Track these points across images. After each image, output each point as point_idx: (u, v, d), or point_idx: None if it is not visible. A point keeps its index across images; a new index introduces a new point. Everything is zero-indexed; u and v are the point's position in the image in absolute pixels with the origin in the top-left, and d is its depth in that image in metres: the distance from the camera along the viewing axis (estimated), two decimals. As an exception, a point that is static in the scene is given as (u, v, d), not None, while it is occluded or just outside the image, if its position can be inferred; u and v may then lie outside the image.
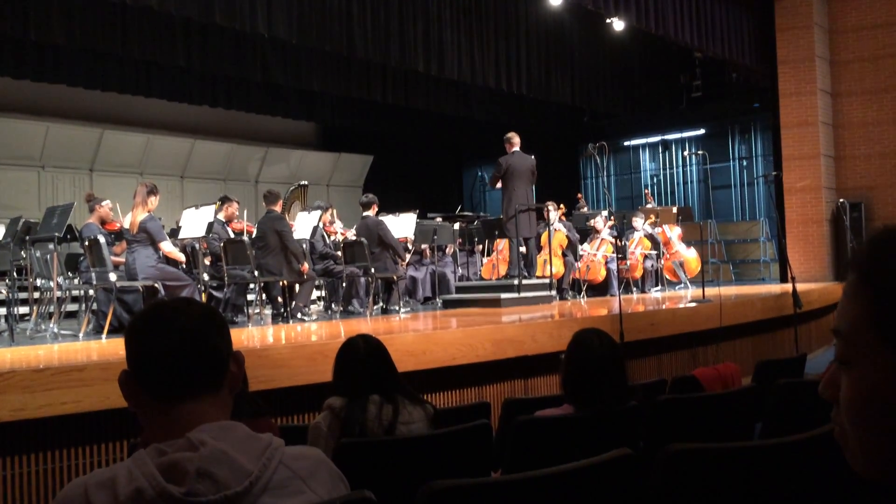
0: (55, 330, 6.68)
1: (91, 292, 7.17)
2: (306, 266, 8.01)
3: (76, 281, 8.13)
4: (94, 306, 7.18)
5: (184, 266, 7.81)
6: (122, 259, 7.10)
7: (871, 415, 0.73)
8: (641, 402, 2.86)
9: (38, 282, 7.99)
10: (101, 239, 6.76)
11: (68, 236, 7.78)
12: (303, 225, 8.80)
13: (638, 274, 11.13)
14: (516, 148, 8.90)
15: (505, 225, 8.87)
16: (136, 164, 14.44)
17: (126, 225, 6.99)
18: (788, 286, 7.78)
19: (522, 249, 8.97)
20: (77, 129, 13.63)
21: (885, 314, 0.72)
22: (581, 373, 2.75)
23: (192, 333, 1.30)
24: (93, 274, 6.84)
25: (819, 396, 0.81)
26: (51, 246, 6.93)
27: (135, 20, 10.06)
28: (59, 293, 7.34)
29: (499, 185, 8.95)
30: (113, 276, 6.57)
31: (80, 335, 6.51)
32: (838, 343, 0.77)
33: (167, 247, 6.89)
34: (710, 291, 8.27)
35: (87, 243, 6.95)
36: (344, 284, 8.85)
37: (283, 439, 1.32)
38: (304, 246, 8.39)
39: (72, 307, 8.79)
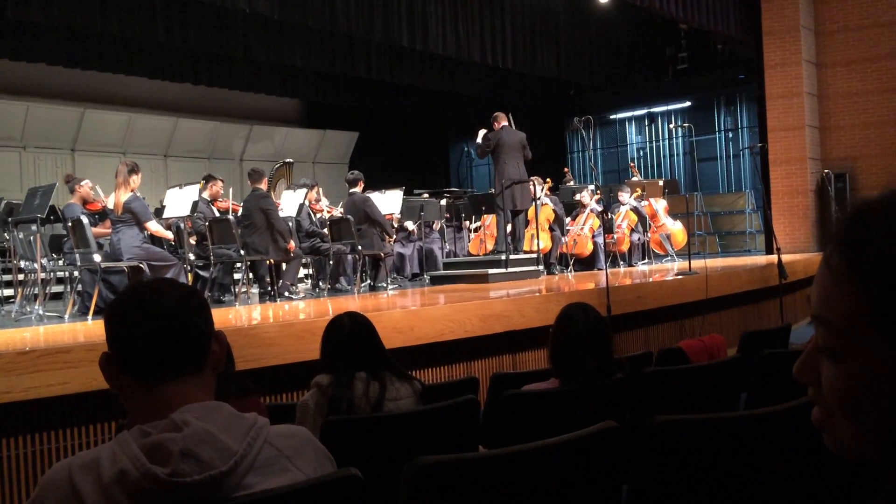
0: (40, 312, 6.63)
1: (76, 273, 7.12)
2: (293, 244, 7.98)
3: (60, 262, 8.07)
4: (79, 287, 7.14)
5: (171, 243, 7.76)
6: (108, 231, 7.03)
7: (869, 407, 0.67)
8: (628, 375, 2.87)
9: (22, 263, 7.93)
10: (85, 219, 6.70)
11: (51, 217, 7.70)
12: (289, 203, 8.75)
13: (625, 247, 11.16)
14: (504, 124, 8.89)
15: (496, 199, 8.86)
16: (119, 143, 14.29)
17: (110, 205, 6.93)
18: (774, 257, 7.81)
19: (508, 227, 8.97)
20: (58, 109, 13.45)
21: (886, 309, 0.65)
22: (567, 347, 2.76)
23: (172, 314, 1.29)
24: (77, 255, 6.79)
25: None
26: (34, 227, 6.87)
27: (113, -4, 9.91)
28: (43, 275, 7.28)
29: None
30: (97, 257, 6.51)
31: (66, 317, 6.48)
32: (824, 333, 0.70)
33: (154, 226, 6.83)
34: (697, 263, 8.30)
35: (70, 224, 6.89)
36: (331, 262, 8.83)
37: (268, 418, 1.32)
38: (290, 224, 8.35)
39: (57, 289, 8.72)
